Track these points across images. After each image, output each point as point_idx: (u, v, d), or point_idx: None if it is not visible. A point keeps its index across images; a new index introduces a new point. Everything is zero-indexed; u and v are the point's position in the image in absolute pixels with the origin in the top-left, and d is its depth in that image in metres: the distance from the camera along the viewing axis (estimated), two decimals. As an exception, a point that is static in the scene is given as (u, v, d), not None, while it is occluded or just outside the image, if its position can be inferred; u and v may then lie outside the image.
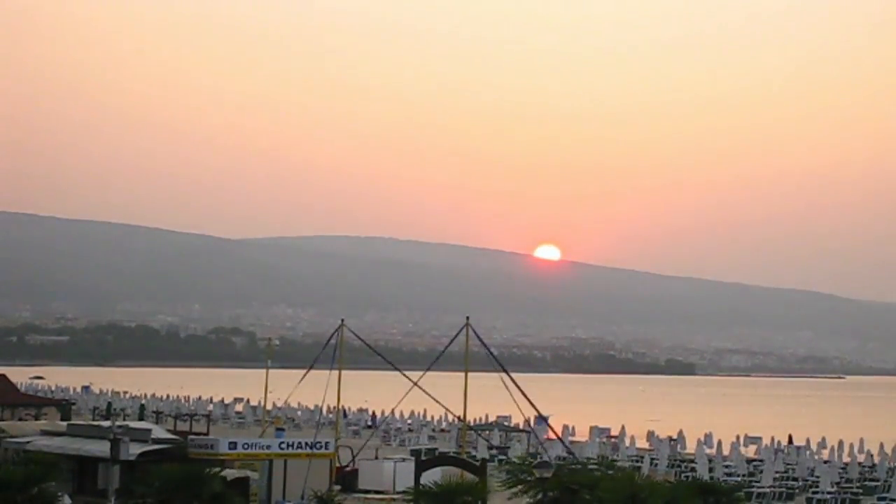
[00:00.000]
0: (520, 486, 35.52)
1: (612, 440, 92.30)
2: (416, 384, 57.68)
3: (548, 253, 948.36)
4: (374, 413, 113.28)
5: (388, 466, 56.42)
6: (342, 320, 61.14)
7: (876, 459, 77.16)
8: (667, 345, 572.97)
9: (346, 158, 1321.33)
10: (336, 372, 58.58)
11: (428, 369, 59.31)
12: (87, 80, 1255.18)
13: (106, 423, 51.04)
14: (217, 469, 37.64)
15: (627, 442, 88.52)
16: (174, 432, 60.38)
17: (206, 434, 68.75)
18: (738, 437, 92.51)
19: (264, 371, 69.70)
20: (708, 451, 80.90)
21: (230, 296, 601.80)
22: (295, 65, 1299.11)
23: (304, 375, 56.61)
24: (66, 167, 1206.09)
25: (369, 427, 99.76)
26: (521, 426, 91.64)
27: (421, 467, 45.59)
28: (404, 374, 60.47)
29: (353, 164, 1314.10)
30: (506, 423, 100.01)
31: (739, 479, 62.80)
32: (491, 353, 58.14)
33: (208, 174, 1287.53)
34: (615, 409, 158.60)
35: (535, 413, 62.44)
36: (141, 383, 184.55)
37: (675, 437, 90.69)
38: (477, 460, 53.46)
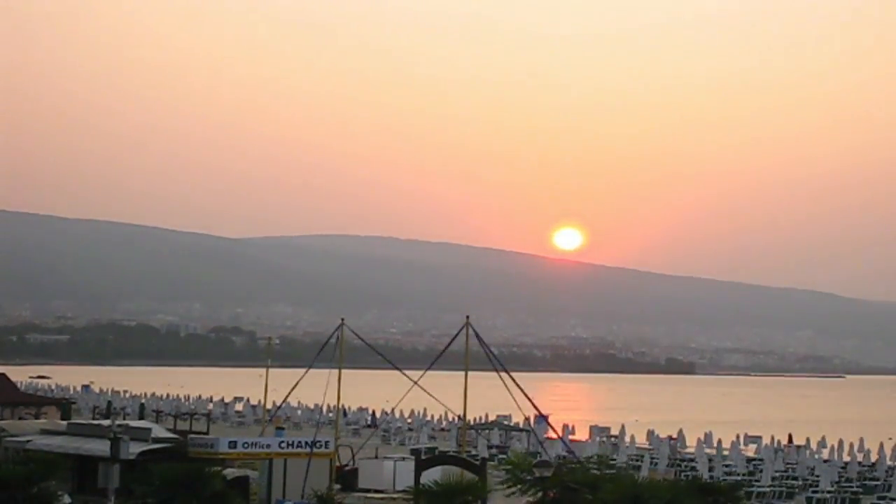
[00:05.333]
0: (519, 486, 35.52)
1: (612, 440, 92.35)
2: (416, 383, 57.65)
3: (561, 240, 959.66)
4: (374, 412, 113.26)
5: (388, 465, 56.39)
6: (342, 319, 61.03)
7: (875, 459, 77.23)
8: (667, 344, 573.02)
9: (347, 157, 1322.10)
10: (336, 371, 58.52)
11: (428, 368, 59.23)
12: (87, 79, 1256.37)
13: (106, 422, 51.03)
14: (219, 468, 37.59)
15: (627, 441, 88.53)
16: (174, 431, 60.35)
17: (206, 433, 68.71)
18: (737, 437, 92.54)
19: (264, 370, 69.58)
20: (708, 450, 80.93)
21: (230, 295, 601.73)
22: (294, 65, 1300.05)
23: (304, 375, 56.55)
24: (66, 167, 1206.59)
25: (369, 426, 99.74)
26: (521, 425, 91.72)
27: (421, 466, 45.56)
28: (404, 374, 60.42)
29: (353, 164, 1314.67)
30: (506, 423, 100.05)
31: (739, 478, 62.82)
32: (490, 353, 58.04)
33: (208, 174, 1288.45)
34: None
35: (535, 412, 62.41)
36: (141, 382, 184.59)
37: (674, 436, 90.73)
38: (477, 459, 53.45)
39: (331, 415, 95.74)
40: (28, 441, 49.98)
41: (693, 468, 67.91)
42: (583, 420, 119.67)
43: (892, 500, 56.43)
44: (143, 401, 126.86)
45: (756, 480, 62.64)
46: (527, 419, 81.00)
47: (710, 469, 66.15)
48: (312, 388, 64.50)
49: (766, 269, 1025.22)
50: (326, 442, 49.72)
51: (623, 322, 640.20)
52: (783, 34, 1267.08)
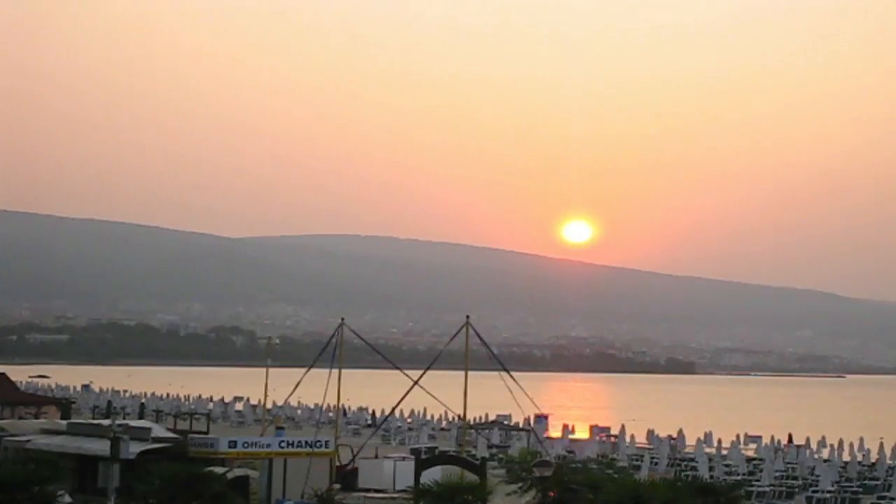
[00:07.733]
0: (520, 485, 35.57)
1: (612, 439, 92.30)
2: (416, 383, 57.66)
3: (567, 234, 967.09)
4: (373, 412, 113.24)
5: (388, 465, 56.35)
6: (342, 319, 61.01)
7: (875, 459, 77.21)
8: (667, 344, 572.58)
9: (347, 157, 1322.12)
10: (336, 371, 58.49)
11: (428, 368, 59.24)
12: (87, 79, 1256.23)
13: (106, 422, 51.03)
14: (227, 469, 37.51)
15: (627, 441, 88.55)
16: (174, 431, 60.35)
17: (206, 433, 68.68)
18: (737, 437, 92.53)
19: (264, 370, 69.57)
20: (708, 450, 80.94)
21: (230, 294, 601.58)
22: (293, 64, 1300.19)
23: (304, 375, 56.58)
24: (66, 167, 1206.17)
25: (369, 426, 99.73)
26: (521, 425, 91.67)
27: (421, 466, 45.56)
28: (405, 373, 60.39)
29: (353, 163, 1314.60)
30: (506, 422, 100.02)
31: (739, 478, 62.82)
32: (491, 352, 58.05)
33: (208, 173, 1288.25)
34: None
35: (535, 412, 62.43)
36: (141, 382, 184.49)
37: (674, 436, 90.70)
38: (477, 459, 53.45)
39: (331, 414, 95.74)
40: (28, 441, 49.98)
41: (693, 468, 67.89)
42: (583, 419, 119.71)
43: (892, 500, 56.41)
44: (143, 400, 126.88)
45: (756, 480, 62.63)
46: (527, 419, 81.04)
47: (711, 469, 66.16)
48: (313, 388, 64.44)
49: (766, 269, 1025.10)
50: (326, 442, 49.70)
51: (623, 322, 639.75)
52: (786, 37, 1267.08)
